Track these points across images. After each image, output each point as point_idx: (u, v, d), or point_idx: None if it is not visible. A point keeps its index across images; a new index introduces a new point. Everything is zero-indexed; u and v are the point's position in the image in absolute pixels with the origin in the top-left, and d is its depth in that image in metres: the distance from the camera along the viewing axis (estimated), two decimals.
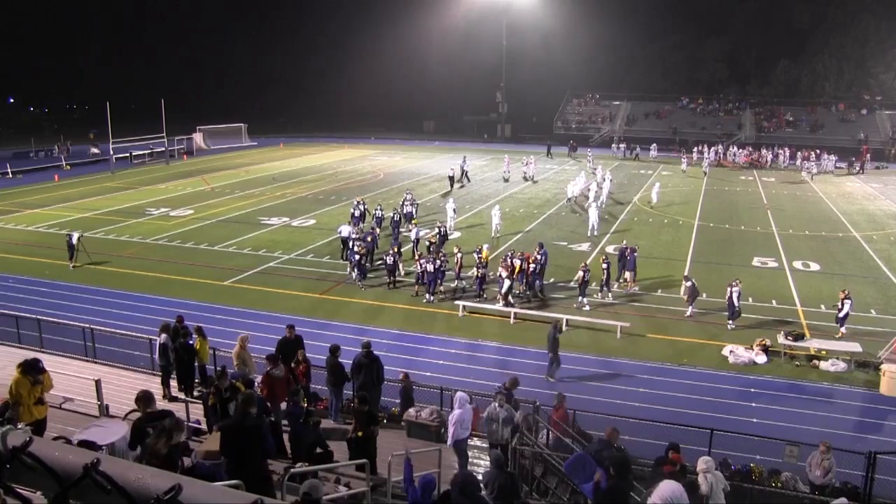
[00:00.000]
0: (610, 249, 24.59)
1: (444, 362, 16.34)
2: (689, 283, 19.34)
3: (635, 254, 21.20)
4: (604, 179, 37.54)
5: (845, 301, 17.53)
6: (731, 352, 16.49)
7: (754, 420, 13.61)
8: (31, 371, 8.99)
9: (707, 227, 30.65)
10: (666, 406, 14.09)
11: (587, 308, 19.58)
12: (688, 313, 19.12)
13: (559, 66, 73.39)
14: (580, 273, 19.61)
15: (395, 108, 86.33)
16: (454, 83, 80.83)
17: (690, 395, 14.75)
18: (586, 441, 11.75)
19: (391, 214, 27.77)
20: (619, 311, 19.47)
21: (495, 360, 16.61)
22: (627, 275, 21.31)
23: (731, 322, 18.28)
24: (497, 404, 10.59)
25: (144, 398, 7.73)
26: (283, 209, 33.80)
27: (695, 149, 53.62)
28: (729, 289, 18.26)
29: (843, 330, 17.56)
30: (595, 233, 28.34)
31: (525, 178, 43.70)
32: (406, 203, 29.39)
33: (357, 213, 27.80)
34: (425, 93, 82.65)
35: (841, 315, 17.60)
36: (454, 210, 29.58)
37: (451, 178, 40.25)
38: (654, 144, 56.91)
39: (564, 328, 18.12)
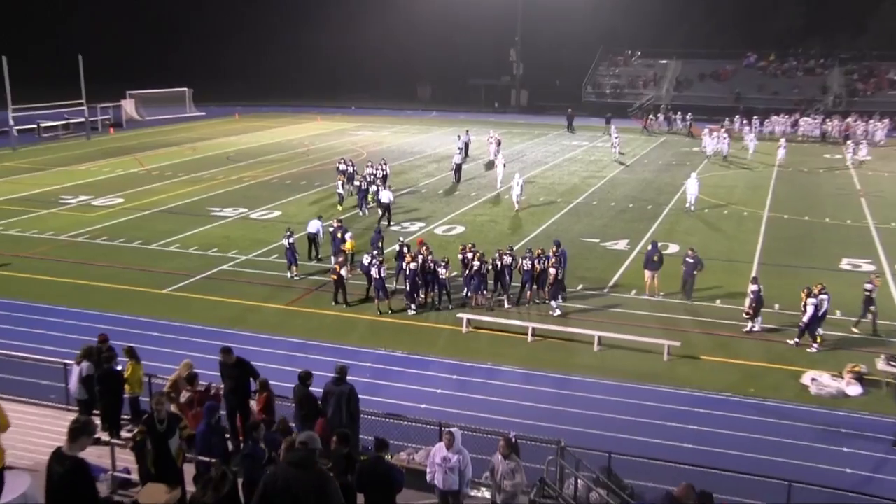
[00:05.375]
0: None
1: (443, 391, 16.20)
2: (754, 288, 19.13)
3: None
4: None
5: (819, 297, 17.69)
6: (812, 380, 16.30)
7: (847, 470, 13.43)
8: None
9: (780, 220, 30.56)
10: (727, 449, 13.92)
11: (558, 313, 19.98)
12: (751, 328, 19.02)
13: (590, 16, 73.45)
14: (552, 270, 20.13)
15: (381, 71, 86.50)
16: (456, 39, 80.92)
17: (759, 435, 14.57)
18: (622, 491, 11.60)
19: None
20: (666, 327, 19.31)
21: (509, 388, 16.44)
22: (650, 276, 21.52)
23: (815, 346, 18.10)
24: (500, 455, 10.39)
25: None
26: (239, 197, 33.86)
27: (735, 119, 53.83)
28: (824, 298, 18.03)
29: (818, 334, 17.84)
30: (692, 208, 31.47)
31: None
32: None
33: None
34: (420, 51, 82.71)
35: (805, 320, 17.80)
36: (521, 186, 31.89)
37: (459, 167, 37.79)
38: (689, 113, 57.27)
39: (597, 348, 17.99)
